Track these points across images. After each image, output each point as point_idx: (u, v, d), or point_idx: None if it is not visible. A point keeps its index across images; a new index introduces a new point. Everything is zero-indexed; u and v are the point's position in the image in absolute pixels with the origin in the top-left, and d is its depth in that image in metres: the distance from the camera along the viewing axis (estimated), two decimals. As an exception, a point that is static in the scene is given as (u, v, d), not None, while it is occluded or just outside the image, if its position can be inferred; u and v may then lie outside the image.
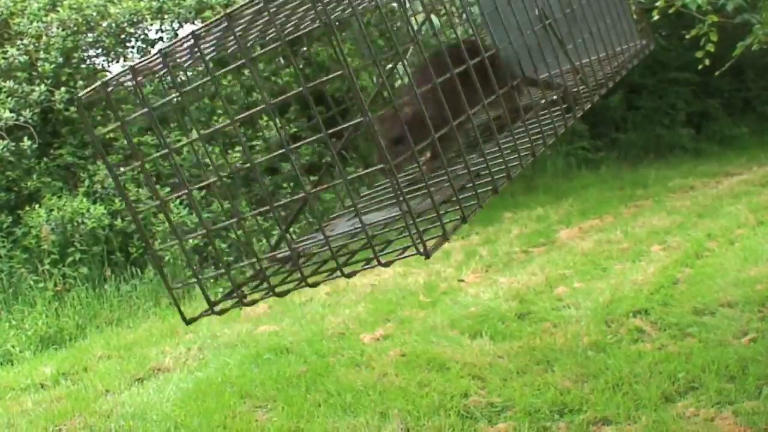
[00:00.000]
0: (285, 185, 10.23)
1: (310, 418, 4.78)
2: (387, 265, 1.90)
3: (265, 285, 2.06)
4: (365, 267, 1.97)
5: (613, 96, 14.82)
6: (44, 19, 10.00)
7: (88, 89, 1.83)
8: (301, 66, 12.48)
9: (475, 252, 8.77)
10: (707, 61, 7.36)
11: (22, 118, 9.20)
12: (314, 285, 2.01)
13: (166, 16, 10.98)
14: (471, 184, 2.03)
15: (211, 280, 8.69)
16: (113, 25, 10.40)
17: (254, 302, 2.11)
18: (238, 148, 10.31)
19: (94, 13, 10.23)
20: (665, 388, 4.60)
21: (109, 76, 1.81)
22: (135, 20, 10.56)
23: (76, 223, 8.71)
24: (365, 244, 1.99)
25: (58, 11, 10.07)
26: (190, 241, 8.89)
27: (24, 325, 7.46)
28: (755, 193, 10.16)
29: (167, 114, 10.43)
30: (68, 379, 6.16)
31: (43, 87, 9.47)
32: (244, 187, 10.27)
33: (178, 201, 9.41)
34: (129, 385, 5.87)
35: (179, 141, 10.16)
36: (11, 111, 9.11)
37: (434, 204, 1.89)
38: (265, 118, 10.81)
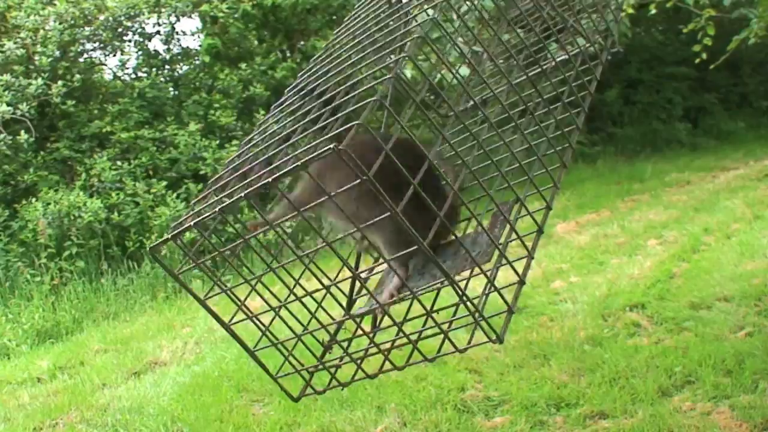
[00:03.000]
0: (282, 180, 10.26)
1: (307, 412, 4.77)
2: (463, 351, 1.87)
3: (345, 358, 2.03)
4: (442, 354, 1.93)
5: (609, 90, 14.84)
6: (41, 12, 9.98)
7: (158, 242, 1.83)
8: (298, 60, 12.49)
9: (471, 246, 8.76)
10: (704, 55, 7.38)
11: (19, 112, 9.19)
12: (401, 368, 1.97)
13: (163, 10, 10.98)
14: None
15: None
16: (110, 18, 10.40)
17: (349, 383, 2.08)
18: (235, 141, 10.31)
19: (92, 7, 10.22)
20: (662, 382, 4.60)
21: (176, 228, 1.79)
22: (132, 14, 10.56)
23: (72, 217, 8.70)
24: (426, 319, 1.94)
25: (56, 5, 10.07)
26: (187, 234, 8.88)
27: (20, 319, 7.46)
28: (752, 188, 10.17)
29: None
30: (65, 373, 6.15)
31: (40, 80, 9.46)
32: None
33: (175, 195, 9.41)
34: (126, 379, 5.87)
35: (175, 134, 10.16)
36: (8, 104, 9.10)
37: (478, 265, 1.84)
38: (262, 111, 10.83)
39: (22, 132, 9.13)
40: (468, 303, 1.72)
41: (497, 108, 2.12)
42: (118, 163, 9.69)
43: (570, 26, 2.34)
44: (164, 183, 9.58)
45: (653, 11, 7.28)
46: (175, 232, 1.80)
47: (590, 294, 6.42)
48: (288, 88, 2.19)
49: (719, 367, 4.68)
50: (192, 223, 1.77)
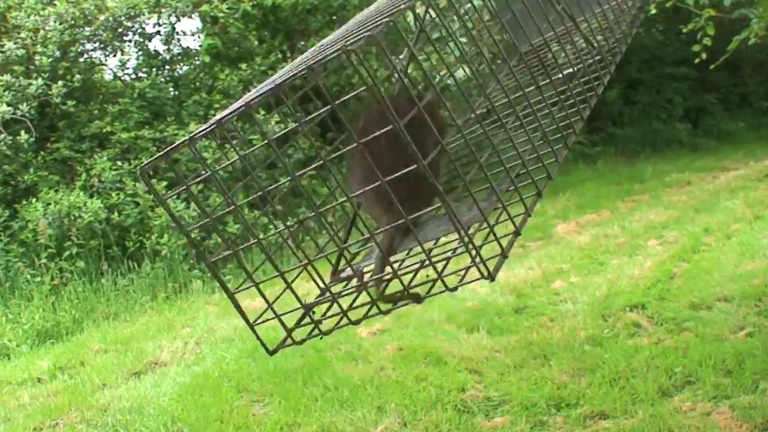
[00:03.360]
0: (282, 179, 10.28)
1: (307, 412, 4.78)
2: (453, 290, 1.85)
3: (336, 309, 1.99)
4: (431, 294, 1.91)
5: (610, 91, 14.83)
6: (41, 12, 9.98)
7: (150, 160, 1.80)
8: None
9: (472, 246, 8.77)
10: (704, 55, 7.37)
11: (19, 112, 9.18)
12: (386, 312, 1.95)
13: (163, 10, 10.98)
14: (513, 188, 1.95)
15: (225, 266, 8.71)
16: (110, 18, 10.40)
17: (330, 331, 2.03)
18: (234, 142, 10.29)
19: (92, 7, 10.22)
20: (662, 383, 4.60)
21: (170, 146, 1.76)
22: (132, 14, 10.56)
23: (72, 217, 8.70)
24: (424, 262, 1.91)
25: (56, 5, 10.06)
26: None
27: (21, 319, 7.46)
28: (752, 188, 10.17)
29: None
30: (65, 374, 6.15)
31: (40, 81, 9.46)
32: (241, 182, 10.27)
33: (175, 195, 9.41)
34: (126, 380, 5.87)
35: (176, 134, 10.16)
36: (8, 105, 9.09)
37: (485, 216, 1.83)
38: (262, 111, 10.83)
39: (23, 132, 9.12)
40: (467, 239, 1.71)
41: (488, 107, 2.11)
42: (119, 163, 9.69)
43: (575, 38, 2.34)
44: (164, 183, 9.57)
45: (653, 11, 7.28)
46: (168, 149, 1.78)
47: (590, 294, 6.42)
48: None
49: (719, 368, 4.69)
50: (187, 139, 1.75)
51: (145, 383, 5.68)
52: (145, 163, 1.83)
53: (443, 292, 1.84)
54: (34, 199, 8.89)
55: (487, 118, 2.38)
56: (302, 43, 13.03)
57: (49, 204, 8.75)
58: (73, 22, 10.08)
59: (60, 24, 10.04)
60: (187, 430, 4.78)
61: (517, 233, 1.87)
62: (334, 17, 12.89)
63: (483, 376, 5.04)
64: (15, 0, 10.27)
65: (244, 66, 11.85)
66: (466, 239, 1.73)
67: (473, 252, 1.73)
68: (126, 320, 7.67)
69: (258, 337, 2.02)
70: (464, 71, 2.56)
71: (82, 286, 8.17)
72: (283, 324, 1.96)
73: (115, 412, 5.14)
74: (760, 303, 5.68)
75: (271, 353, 2.04)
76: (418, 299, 1.87)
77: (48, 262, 8.37)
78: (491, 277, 1.74)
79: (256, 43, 12.74)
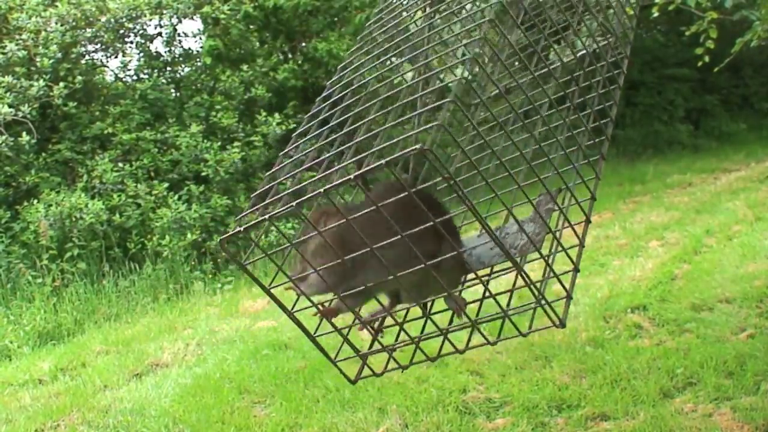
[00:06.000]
0: (283, 181, 10.27)
1: (309, 413, 4.77)
2: (525, 335, 1.89)
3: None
4: (503, 338, 1.96)
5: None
6: (43, 14, 9.99)
7: (228, 234, 1.87)
8: (299, 62, 12.49)
9: (473, 248, 8.77)
10: (707, 58, 7.37)
11: (20, 113, 9.19)
12: (463, 351, 2.02)
13: (164, 12, 10.98)
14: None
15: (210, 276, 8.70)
16: (112, 20, 10.40)
17: (408, 366, 2.18)
18: (236, 143, 10.31)
19: (93, 9, 10.22)
20: (663, 384, 4.60)
21: (247, 224, 1.83)
22: (134, 15, 10.56)
23: (74, 219, 8.70)
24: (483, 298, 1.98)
25: (57, 6, 10.06)
26: (189, 235, 8.89)
27: (22, 321, 7.45)
28: (753, 190, 10.18)
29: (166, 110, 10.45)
30: (66, 375, 6.15)
31: (41, 82, 9.46)
32: (243, 183, 10.28)
33: (176, 197, 9.42)
34: (127, 381, 5.87)
35: (177, 135, 10.16)
36: (10, 106, 9.10)
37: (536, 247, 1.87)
38: (263, 112, 10.83)
39: (24, 133, 9.12)
40: (533, 288, 1.78)
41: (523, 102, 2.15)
42: (120, 164, 9.69)
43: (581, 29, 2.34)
44: (166, 184, 9.58)
45: (656, 14, 7.28)
46: (248, 225, 1.85)
47: (592, 295, 6.42)
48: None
49: (721, 369, 4.68)
50: (267, 217, 1.83)
51: (147, 384, 5.68)
52: (225, 235, 1.89)
53: (516, 336, 1.90)
54: (35, 201, 8.89)
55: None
56: (303, 44, 13.04)
57: (50, 205, 8.75)
58: (74, 23, 10.08)
59: (61, 25, 10.04)
60: (188, 431, 4.78)
61: (576, 270, 1.94)
62: (335, 18, 12.90)
63: (484, 378, 5.03)
64: (16, 1, 10.27)
65: (245, 67, 11.86)
66: (534, 289, 1.78)
67: (539, 297, 1.77)
68: (127, 321, 7.67)
69: (341, 371, 2.19)
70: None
71: (83, 287, 8.17)
72: (361, 357, 2.06)
73: (117, 414, 5.13)
74: (762, 304, 5.68)
75: (353, 382, 2.16)
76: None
77: (49, 264, 8.37)
78: (561, 323, 1.78)
79: (257, 44, 12.76)
